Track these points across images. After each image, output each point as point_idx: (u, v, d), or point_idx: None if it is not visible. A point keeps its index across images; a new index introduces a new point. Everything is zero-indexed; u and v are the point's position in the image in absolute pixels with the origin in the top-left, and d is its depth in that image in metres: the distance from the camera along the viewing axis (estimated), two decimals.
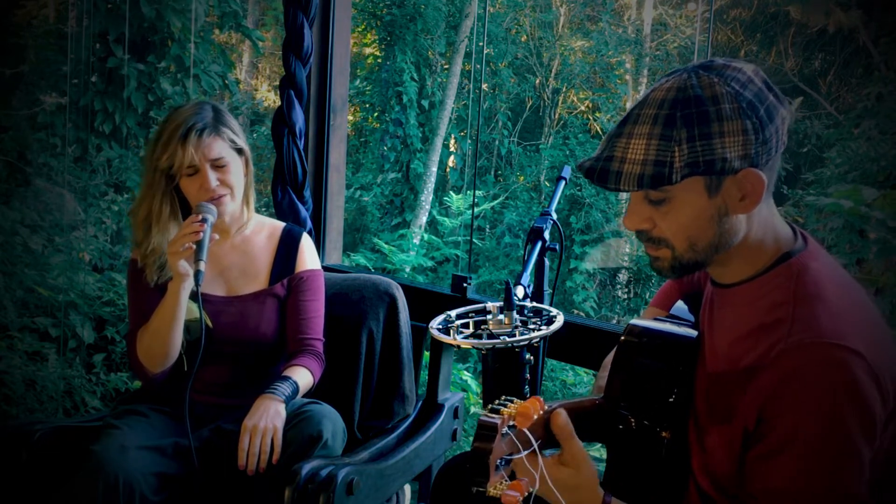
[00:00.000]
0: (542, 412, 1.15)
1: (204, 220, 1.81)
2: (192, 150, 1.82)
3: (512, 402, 1.15)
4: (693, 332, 1.34)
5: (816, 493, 1.09)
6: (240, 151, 1.93)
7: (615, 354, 1.34)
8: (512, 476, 1.15)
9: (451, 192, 10.47)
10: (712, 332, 1.28)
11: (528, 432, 1.14)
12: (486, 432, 1.10)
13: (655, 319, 1.40)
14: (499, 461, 1.11)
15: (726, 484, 1.22)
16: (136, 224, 1.92)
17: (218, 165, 1.87)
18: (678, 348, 1.31)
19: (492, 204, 10.87)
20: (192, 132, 1.83)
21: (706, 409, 1.25)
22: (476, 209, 10.36)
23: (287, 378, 1.87)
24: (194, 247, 1.79)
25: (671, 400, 1.26)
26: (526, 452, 1.15)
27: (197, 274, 1.78)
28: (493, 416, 1.11)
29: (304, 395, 1.93)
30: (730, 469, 1.20)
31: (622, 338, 1.34)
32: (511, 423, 1.12)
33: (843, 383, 1.07)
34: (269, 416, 1.76)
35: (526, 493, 1.12)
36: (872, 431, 1.08)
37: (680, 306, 1.47)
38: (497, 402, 1.15)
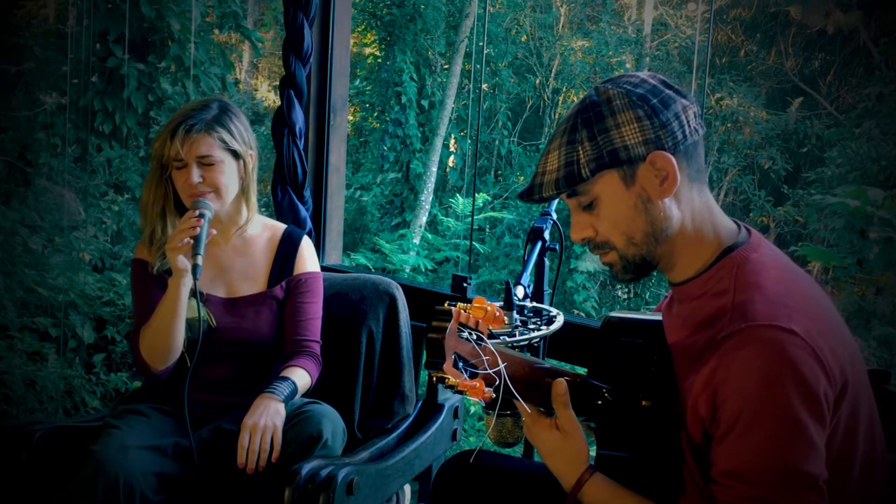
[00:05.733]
0: (496, 312, 1.23)
1: (201, 216, 1.83)
2: (178, 145, 1.85)
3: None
4: None
5: (767, 470, 1.10)
6: (235, 154, 1.93)
7: (597, 344, 1.38)
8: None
9: (457, 195, 10.46)
10: (671, 328, 1.33)
11: (493, 348, 1.20)
12: (440, 316, 1.17)
13: (630, 312, 1.46)
14: (459, 362, 1.17)
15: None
16: (140, 207, 1.97)
17: (205, 163, 1.88)
18: (654, 329, 1.35)
19: (494, 214, 10.87)
20: (181, 127, 1.85)
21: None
22: (479, 213, 10.35)
23: (286, 378, 1.87)
24: (192, 241, 1.80)
25: (651, 370, 1.29)
26: (493, 370, 1.20)
27: (194, 268, 1.79)
28: (449, 307, 1.20)
29: (303, 396, 1.94)
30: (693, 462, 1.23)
31: (600, 328, 1.38)
32: (475, 332, 1.20)
33: (777, 360, 1.10)
34: (268, 415, 1.77)
35: (489, 397, 1.19)
36: (817, 408, 1.10)
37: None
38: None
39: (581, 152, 1.21)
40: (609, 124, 1.20)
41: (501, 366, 1.20)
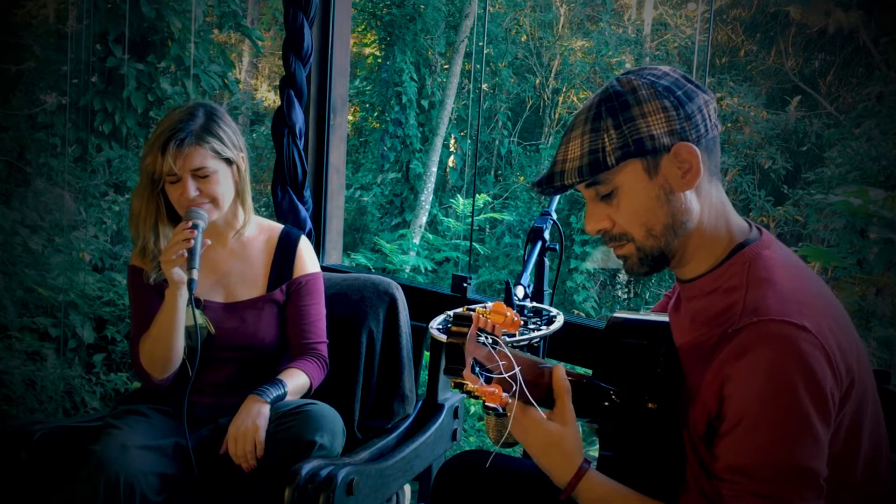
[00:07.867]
0: (514, 318, 1.21)
1: (195, 227, 1.80)
2: (171, 160, 1.80)
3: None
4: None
5: (772, 466, 1.10)
6: (228, 161, 1.89)
7: (601, 346, 1.37)
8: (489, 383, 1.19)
9: (457, 196, 10.46)
10: (680, 326, 1.32)
11: (508, 352, 1.20)
12: (461, 321, 1.16)
13: (633, 312, 1.46)
14: (476, 368, 1.16)
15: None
16: (130, 219, 1.93)
17: (199, 175, 1.84)
18: (659, 329, 1.35)
19: (494, 214, 10.86)
20: (171, 141, 1.80)
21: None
22: (479, 213, 10.35)
23: (278, 381, 1.87)
24: (186, 254, 1.78)
25: (657, 372, 1.28)
26: (508, 374, 1.19)
27: (190, 283, 1.76)
28: (468, 311, 1.19)
29: (304, 396, 1.93)
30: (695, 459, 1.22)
31: (605, 329, 1.38)
32: (491, 336, 1.19)
33: (788, 355, 1.10)
34: (250, 418, 1.78)
35: (505, 402, 1.17)
36: (824, 405, 1.10)
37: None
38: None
39: (606, 140, 1.19)
40: (635, 113, 1.19)
41: (517, 369, 1.19)
